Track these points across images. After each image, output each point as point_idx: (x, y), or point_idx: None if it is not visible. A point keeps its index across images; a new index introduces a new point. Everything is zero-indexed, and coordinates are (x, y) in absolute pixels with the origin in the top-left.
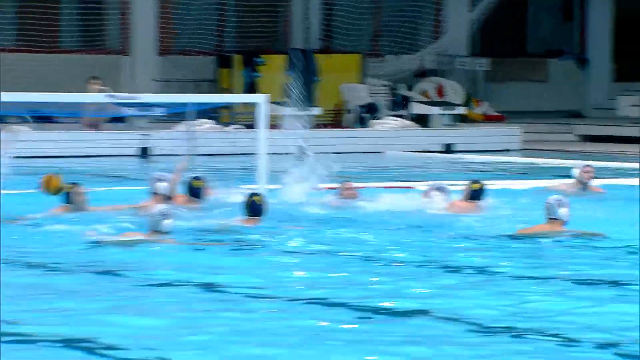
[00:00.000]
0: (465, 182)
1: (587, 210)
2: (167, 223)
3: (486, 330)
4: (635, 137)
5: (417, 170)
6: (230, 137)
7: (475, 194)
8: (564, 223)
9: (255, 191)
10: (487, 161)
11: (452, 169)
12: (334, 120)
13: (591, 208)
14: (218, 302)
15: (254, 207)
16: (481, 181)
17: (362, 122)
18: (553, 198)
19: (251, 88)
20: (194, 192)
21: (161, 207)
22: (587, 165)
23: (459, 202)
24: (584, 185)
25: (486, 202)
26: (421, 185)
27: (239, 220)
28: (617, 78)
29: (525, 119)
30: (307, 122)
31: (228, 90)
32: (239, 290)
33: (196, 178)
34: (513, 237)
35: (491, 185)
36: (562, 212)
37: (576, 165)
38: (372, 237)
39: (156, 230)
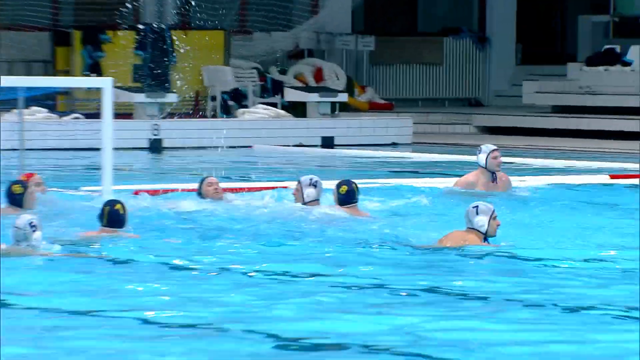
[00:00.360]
0: (333, 185)
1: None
2: (37, 236)
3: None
4: (542, 129)
5: (291, 167)
6: (68, 128)
7: (346, 198)
8: (482, 234)
9: (116, 198)
10: (372, 157)
11: (332, 165)
12: (194, 108)
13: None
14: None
15: (115, 217)
16: (352, 181)
17: (226, 111)
18: (471, 205)
19: (94, 70)
20: (14, 199)
21: (28, 217)
22: (495, 150)
23: (335, 207)
24: (492, 174)
25: (360, 204)
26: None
27: (97, 231)
28: (522, 60)
29: (417, 107)
30: (161, 111)
31: (66, 73)
32: (78, 310)
33: (16, 182)
34: (415, 247)
35: (372, 184)
36: (479, 221)
37: (482, 150)
38: (239, 246)
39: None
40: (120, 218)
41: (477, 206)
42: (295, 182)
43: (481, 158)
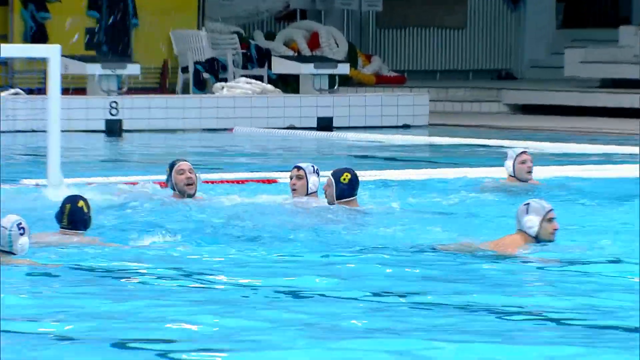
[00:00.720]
0: (329, 174)
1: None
2: (23, 241)
3: None
4: (588, 107)
5: (280, 154)
6: (6, 106)
7: (348, 189)
8: (532, 237)
9: (78, 194)
10: (380, 142)
11: (330, 152)
12: (161, 82)
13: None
14: None
15: (77, 217)
16: (351, 170)
17: (200, 86)
18: (523, 202)
19: (37, 35)
20: None
21: (15, 217)
22: (523, 153)
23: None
24: (523, 182)
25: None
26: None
27: (54, 233)
28: (564, 23)
29: (435, 81)
30: (121, 85)
31: (3, 39)
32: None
33: None
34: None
35: (379, 176)
36: (527, 221)
37: (508, 156)
38: (222, 252)
39: (5, 250)
40: (84, 218)
41: (528, 204)
42: (291, 170)
43: (508, 165)
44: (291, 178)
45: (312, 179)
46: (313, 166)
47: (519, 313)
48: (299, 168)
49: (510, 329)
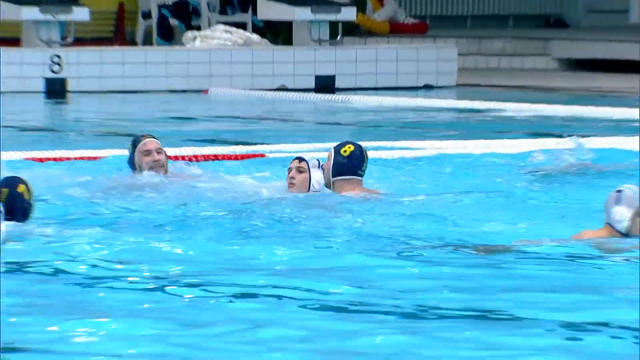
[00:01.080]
0: (332, 147)
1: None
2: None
3: None
4: None
5: (267, 122)
6: None
7: (350, 164)
8: (622, 234)
9: (18, 176)
10: (395, 106)
11: (332, 120)
12: (115, 31)
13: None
14: None
15: (17, 204)
16: (356, 144)
17: (167, 36)
18: (615, 189)
19: None
20: None
21: None
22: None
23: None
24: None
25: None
26: (278, 152)
27: None
28: None
29: (464, 30)
30: (65, 35)
31: None
32: None
33: None
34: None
35: (393, 148)
36: (616, 213)
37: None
38: (200, 248)
39: None
40: (25, 205)
41: (621, 191)
42: (291, 162)
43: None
44: (290, 170)
45: (316, 175)
46: (318, 160)
47: (597, 328)
48: (300, 160)
49: (586, 350)
